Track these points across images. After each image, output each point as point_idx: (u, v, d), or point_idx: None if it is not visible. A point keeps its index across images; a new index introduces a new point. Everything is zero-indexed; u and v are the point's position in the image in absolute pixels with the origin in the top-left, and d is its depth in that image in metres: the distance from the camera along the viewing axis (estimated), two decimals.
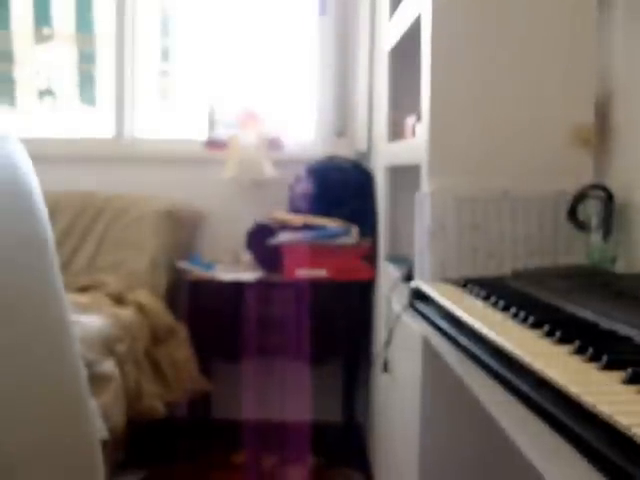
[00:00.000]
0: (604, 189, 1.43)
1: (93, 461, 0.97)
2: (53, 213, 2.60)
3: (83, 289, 2.60)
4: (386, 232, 2.37)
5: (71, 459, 0.95)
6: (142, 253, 2.77)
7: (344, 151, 2.98)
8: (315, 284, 2.64)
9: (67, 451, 0.95)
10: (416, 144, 1.74)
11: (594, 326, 0.89)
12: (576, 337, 0.81)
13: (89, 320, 2.19)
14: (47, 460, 0.90)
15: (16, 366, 0.91)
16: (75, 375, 0.98)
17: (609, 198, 1.42)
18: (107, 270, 2.72)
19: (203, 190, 3.02)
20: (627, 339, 0.82)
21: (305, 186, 2.80)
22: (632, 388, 0.67)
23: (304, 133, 3.14)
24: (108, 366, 2.09)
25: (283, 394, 3.04)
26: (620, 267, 1.42)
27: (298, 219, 2.73)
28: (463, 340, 1.01)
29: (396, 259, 2.19)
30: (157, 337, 2.52)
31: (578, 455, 0.62)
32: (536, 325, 0.92)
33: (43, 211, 1.00)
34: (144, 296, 2.58)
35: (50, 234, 1.01)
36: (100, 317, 2.27)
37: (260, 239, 2.73)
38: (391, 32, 2.20)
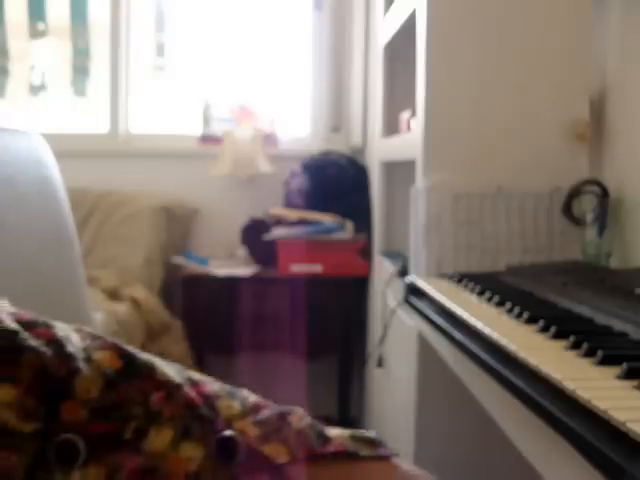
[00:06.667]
0: (599, 184, 1.44)
1: None
2: None
3: None
4: (381, 227, 2.37)
5: None
6: (137, 249, 2.76)
7: (339, 146, 2.98)
8: (310, 279, 2.64)
9: None
10: (411, 139, 1.73)
11: (589, 321, 0.89)
12: (571, 332, 0.81)
13: None
14: None
15: None
16: None
17: (604, 193, 1.43)
18: (102, 266, 2.71)
19: (198, 185, 3.01)
20: (622, 334, 0.82)
21: (300, 181, 2.80)
22: (627, 383, 0.67)
23: (299, 128, 3.14)
24: None
25: (278, 389, 3.04)
26: (615, 262, 1.43)
27: (293, 214, 2.73)
28: (458, 335, 1.01)
29: (391, 254, 2.19)
30: (152, 332, 2.52)
31: (573, 450, 0.62)
32: (531, 320, 0.92)
33: (68, 208, 1.00)
34: (139, 291, 2.58)
35: (74, 232, 1.01)
36: (95, 312, 2.26)
37: (255, 234, 2.73)
38: (386, 27, 2.20)
